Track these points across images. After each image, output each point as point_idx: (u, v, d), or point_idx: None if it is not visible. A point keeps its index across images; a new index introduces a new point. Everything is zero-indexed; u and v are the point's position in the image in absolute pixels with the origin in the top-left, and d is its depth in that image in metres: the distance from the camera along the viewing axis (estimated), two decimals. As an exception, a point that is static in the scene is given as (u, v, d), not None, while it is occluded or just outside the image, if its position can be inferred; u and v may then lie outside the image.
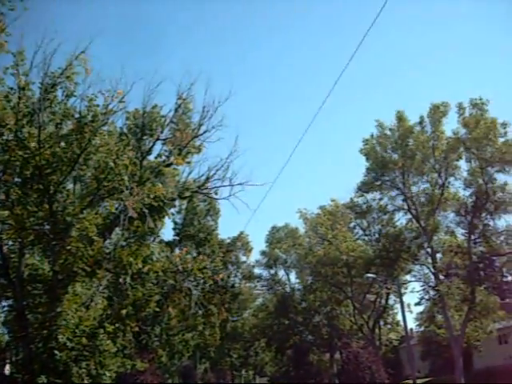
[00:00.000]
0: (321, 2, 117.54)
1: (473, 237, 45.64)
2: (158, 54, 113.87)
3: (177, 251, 43.62)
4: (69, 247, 20.57)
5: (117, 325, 24.35)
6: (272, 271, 68.87)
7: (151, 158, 29.07)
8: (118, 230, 23.97)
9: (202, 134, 29.95)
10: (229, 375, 75.07)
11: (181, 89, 29.17)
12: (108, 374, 22.79)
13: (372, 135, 46.34)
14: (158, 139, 28.72)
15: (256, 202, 33.00)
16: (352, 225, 56.33)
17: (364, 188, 46.52)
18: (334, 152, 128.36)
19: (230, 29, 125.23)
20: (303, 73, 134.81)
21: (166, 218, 32.59)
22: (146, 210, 22.64)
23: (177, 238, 56.15)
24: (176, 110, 29.33)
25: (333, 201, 57.06)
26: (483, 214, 44.52)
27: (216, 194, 31.65)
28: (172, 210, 41.31)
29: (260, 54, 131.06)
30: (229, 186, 29.90)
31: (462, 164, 44.83)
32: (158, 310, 34.70)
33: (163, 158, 28.38)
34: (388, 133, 45.83)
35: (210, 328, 55.21)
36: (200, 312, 45.94)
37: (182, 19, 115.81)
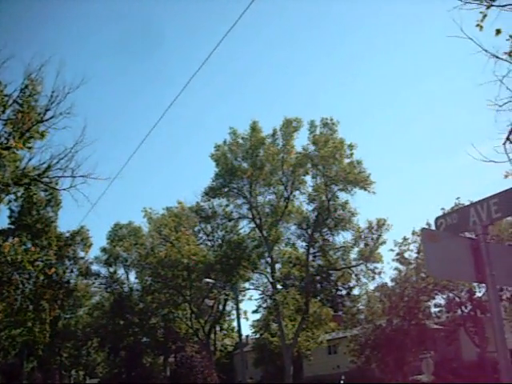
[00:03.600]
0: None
1: (312, 250, 47.11)
2: (8, 28, 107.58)
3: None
4: None
5: None
6: (111, 269, 67.14)
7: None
8: None
9: (47, 120, 28.78)
10: (57, 375, 72.09)
11: (30, 69, 27.73)
12: None
13: (225, 141, 46.52)
14: (-2, 119, 27.07)
15: (102, 196, 32.18)
16: (196, 229, 56.40)
17: (211, 193, 46.43)
18: (185, 154, 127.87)
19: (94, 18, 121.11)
20: (161, 70, 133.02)
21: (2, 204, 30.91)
22: (-25, 194, 21.15)
23: (12, 226, 53.11)
24: (22, 91, 27.79)
25: (179, 203, 56.80)
26: (323, 230, 46.00)
27: (57, 184, 30.51)
28: (9, 197, 39.06)
29: (117, 49, 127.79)
30: (71, 177, 28.97)
31: (308, 179, 46.32)
32: (-19, 302, 32.50)
33: (2, 139, 26.79)
34: (240, 141, 46.22)
35: (40, 324, 52.62)
36: (30, 307, 43.96)
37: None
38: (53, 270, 39.12)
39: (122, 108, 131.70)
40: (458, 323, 51.42)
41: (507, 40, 10.71)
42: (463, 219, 6.97)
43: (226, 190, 46.22)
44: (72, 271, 61.94)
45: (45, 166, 29.35)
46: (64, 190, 29.43)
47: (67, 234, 57.87)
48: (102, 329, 64.96)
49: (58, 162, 29.01)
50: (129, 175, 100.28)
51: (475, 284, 41.22)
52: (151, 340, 64.09)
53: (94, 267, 66.65)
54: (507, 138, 11.14)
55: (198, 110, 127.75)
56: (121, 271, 67.97)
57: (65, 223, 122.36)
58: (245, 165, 45.74)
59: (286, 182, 45.64)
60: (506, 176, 11.02)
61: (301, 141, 46.20)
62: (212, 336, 61.93)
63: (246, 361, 63.54)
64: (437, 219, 7.36)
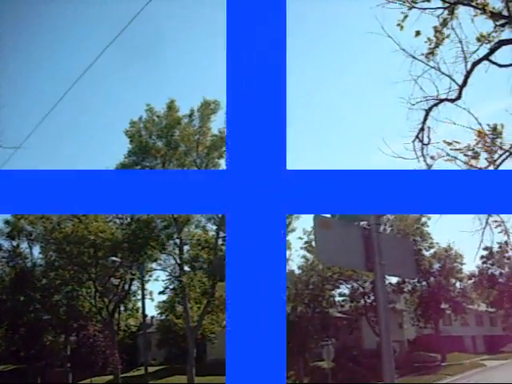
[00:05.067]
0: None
1: (221, 234, 47.07)
2: None
3: None
4: None
5: None
6: (14, 243, 64.72)
7: None
8: None
9: None
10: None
11: None
12: None
13: (140, 118, 45.57)
14: None
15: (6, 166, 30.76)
16: (107, 206, 55.29)
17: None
18: (99, 128, 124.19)
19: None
20: (76, 34, 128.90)
21: None
22: None
23: None
24: None
25: (90, 178, 55.39)
26: (236, 213, 46.03)
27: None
28: None
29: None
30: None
31: (222, 163, 46.10)
32: None
33: None
34: (156, 119, 45.41)
35: None
36: None
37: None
38: None
39: (33, 72, 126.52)
40: (361, 312, 52.93)
41: (425, 42, 10.94)
42: (358, 208, 6.88)
43: (138, 168, 45.41)
44: (-30, 244, 59.55)
45: None
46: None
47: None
48: (0, 304, 62.65)
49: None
50: (38, 145, 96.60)
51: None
52: (53, 317, 62.22)
53: (-4, 240, 64.11)
54: (416, 136, 11.39)
55: (114, 83, 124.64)
56: (24, 245, 65.64)
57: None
58: (159, 143, 45.00)
59: (199, 164, 45.21)
60: (414, 173, 11.20)
61: (218, 123, 45.92)
62: (116, 316, 61.02)
63: (150, 342, 63.15)
64: (333, 207, 7.24)
